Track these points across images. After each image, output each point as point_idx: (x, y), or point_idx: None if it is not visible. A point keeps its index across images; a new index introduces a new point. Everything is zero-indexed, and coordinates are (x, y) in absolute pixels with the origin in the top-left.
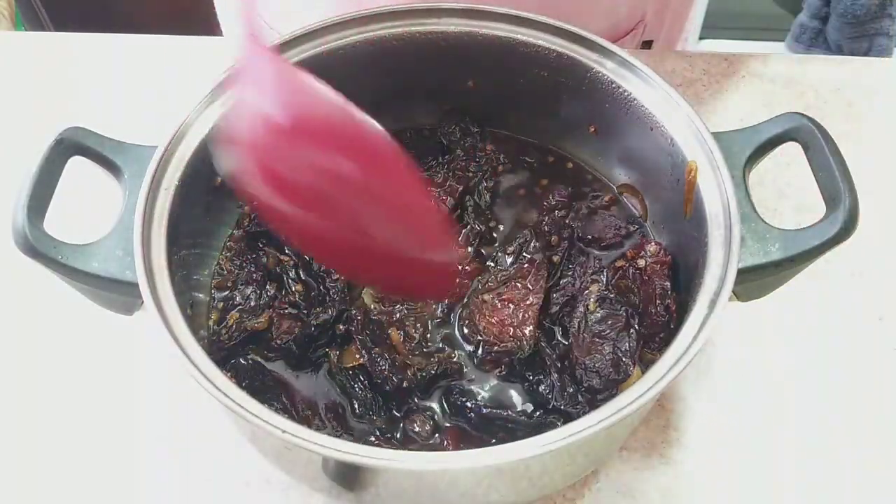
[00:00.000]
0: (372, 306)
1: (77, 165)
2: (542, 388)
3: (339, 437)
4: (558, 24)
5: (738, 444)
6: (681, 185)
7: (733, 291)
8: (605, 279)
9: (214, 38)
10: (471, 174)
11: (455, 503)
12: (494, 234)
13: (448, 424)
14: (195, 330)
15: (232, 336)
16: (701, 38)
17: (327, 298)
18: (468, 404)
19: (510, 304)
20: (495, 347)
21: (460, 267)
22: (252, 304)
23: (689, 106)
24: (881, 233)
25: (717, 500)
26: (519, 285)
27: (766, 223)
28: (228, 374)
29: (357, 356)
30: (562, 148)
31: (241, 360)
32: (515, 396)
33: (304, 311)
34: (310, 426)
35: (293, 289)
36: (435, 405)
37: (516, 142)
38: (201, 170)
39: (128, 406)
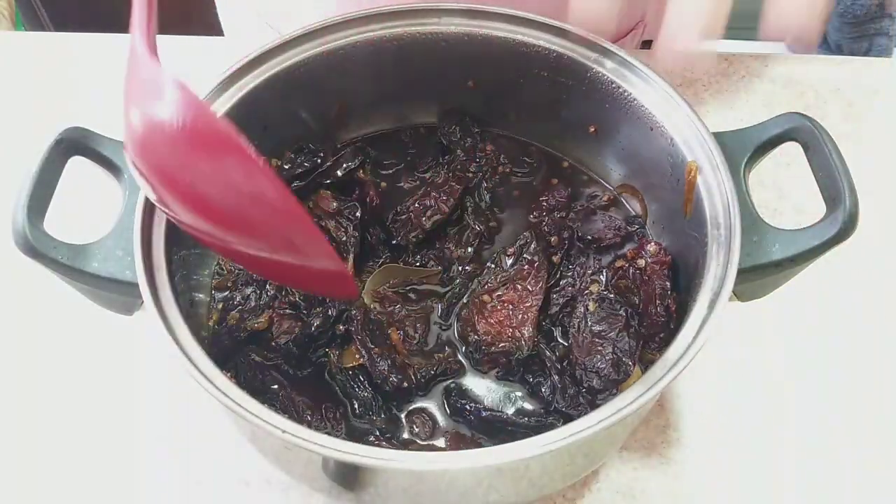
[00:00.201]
0: (372, 306)
1: (77, 165)
2: (543, 389)
3: (339, 437)
4: (558, 24)
5: (738, 444)
6: (681, 185)
7: (733, 291)
8: (604, 279)
9: (214, 38)
10: (471, 174)
11: (455, 503)
12: (494, 235)
13: (448, 425)
14: (195, 330)
15: (232, 336)
16: None
17: (327, 298)
18: (468, 406)
19: (509, 306)
20: (493, 348)
21: (348, 270)
22: (252, 304)
23: (688, 106)
24: (881, 233)
25: (717, 500)
26: (519, 287)
27: (766, 223)
28: (228, 374)
29: (357, 356)
30: (562, 148)
31: (241, 360)
32: (516, 398)
33: (304, 311)
34: (310, 426)
35: (293, 289)
36: (435, 406)
37: (516, 142)
38: None
39: (128, 406)
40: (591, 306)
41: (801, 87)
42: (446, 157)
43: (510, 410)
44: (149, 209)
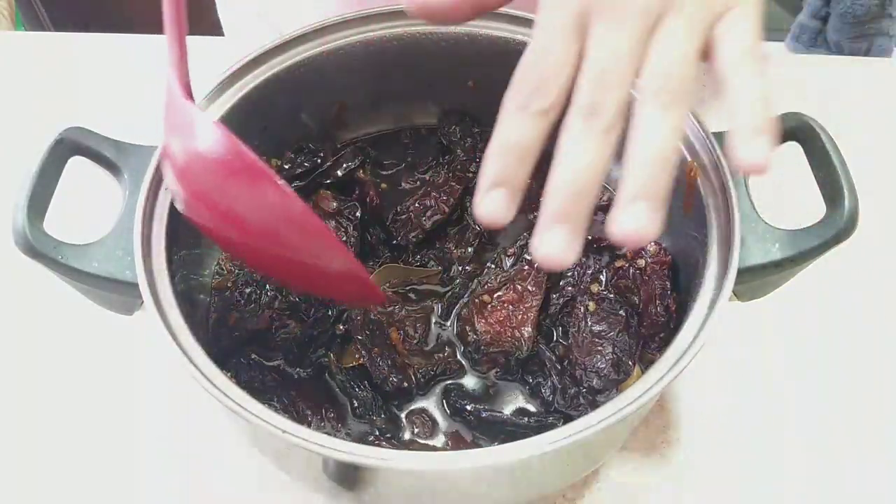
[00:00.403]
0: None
1: (77, 165)
2: (543, 389)
3: (338, 437)
4: None
5: (738, 444)
6: (681, 185)
7: (733, 291)
8: (604, 279)
9: (214, 38)
10: (471, 174)
11: (455, 503)
12: (494, 235)
13: (448, 426)
14: (195, 330)
15: (232, 336)
16: None
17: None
18: (468, 406)
19: (509, 306)
20: (492, 348)
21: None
22: (252, 304)
23: None
24: (881, 233)
25: (717, 500)
26: (519, 287)
27: (766, 223)
28: (228, 374)
29: (357, 356)
30: None
31: (241, 360)
32: (516, 399)
33: (304, 311)
34: (310, 426)
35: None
36: (435, 406)
37: None
38: None
39: (127, 406)
40: (591, 306)
41: (801, 87)
42: (446, 157)
43: (510, 410)
44: (149, 209)
